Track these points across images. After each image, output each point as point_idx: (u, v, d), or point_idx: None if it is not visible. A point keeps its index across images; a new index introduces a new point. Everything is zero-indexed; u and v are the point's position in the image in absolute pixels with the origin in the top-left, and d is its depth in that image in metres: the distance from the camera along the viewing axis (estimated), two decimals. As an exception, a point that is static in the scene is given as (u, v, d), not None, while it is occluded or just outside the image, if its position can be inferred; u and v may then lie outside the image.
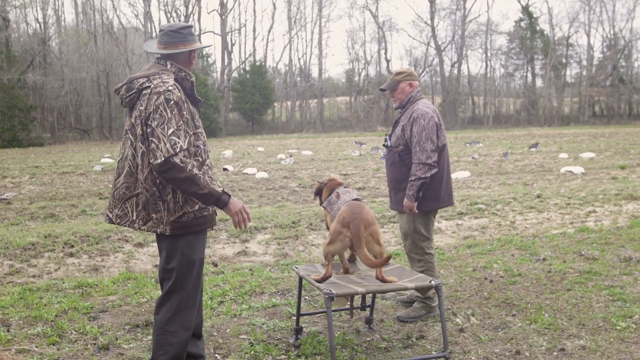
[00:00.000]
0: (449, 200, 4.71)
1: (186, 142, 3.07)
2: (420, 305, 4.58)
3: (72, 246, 7.11)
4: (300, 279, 4.07)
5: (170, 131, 3.03)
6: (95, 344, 4.14)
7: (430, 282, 3.52)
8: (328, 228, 4.08)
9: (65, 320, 4.56)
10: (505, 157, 19.41)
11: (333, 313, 4.61)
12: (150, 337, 4.24)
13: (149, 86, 3.16)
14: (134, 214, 3.25)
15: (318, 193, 4.30)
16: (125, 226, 3.30)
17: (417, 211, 4.50)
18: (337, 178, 4.28)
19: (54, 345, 4.12)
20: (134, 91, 3.20)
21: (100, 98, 43.48)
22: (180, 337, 3.30)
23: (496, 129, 49.06)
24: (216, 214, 3.41)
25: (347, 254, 4.02)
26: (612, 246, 6.76)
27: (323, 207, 4.14)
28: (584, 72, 58.78)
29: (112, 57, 43.71)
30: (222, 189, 3.18)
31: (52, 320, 4.57)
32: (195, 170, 3.06)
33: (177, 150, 3.01)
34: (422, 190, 4.44)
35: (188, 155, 3.07)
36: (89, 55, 42.33)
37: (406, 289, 3.47)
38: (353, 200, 3.79)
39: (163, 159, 3.00)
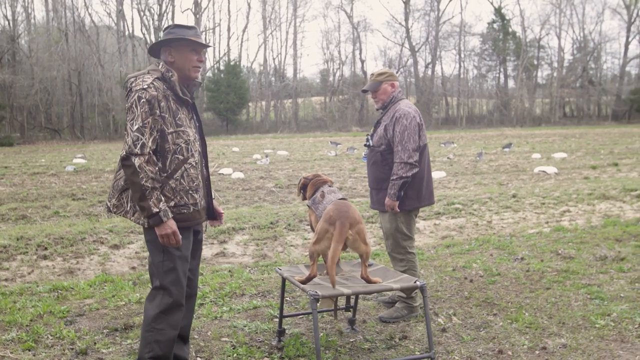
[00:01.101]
0: (430, 199, 4.74)
1: (150, 139, 3.10)
2: (402, 306, 4.58)
3: (46, 248, 6.95)
4: (283, 280, 4.03)
5: (135, 127, 3.09)
6: (72, 349, 4.04)
7: (415, 282, 3.51)
8: (312, 228, 4.05)
9: (40, 324, 4.45)
10: (479, 157, 19.62)
11: (308, 315, 4.60)
12: (129, 341, 4.17)
13: (132, 85, 3.22)
14: (128, 205, 3.26)
15: (303, 188, 4.27)
16: (121, 216, 3.29)
17: (398, 210, 4.51)
18: (322, 175, 4.25)
19: (29, 350, 4.01)
20: (126, 89, 3.26)
21: (71, 97, 42.69)
22: (167, 335, 3.27)
23: (469, 129, 49.58)
24: (199, 212, 3.36)
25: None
26: (588, 245, 6.86)
27: (307, 206, 4.10)
28: (555, 74, 59.85)
29: (84, 56, 42.98)
30: (160, 210, 3.09)
31: (27, 325, 4.45)
32: (149, 183, 3.06)
33: (139, 146, 3.06)
34: (403, 189, 4.47)
35: (153, 162, 3.10)
36: (60, 53, 41.55)
37: (392, 289, 3.46)
38: (339, 199, 3.77)
39: (124, 153, 3.09)
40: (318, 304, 3.30)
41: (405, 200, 4.53)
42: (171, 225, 3.13)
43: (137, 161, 3.05)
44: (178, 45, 3.30)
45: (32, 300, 5.08)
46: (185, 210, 3.26)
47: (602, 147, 24.31)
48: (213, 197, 3.60)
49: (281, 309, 4.12)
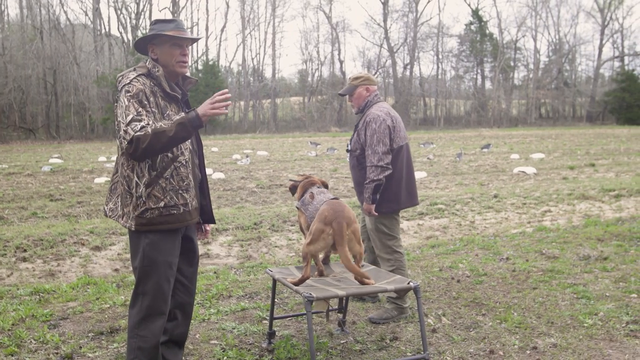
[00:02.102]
0: (412, 201, 4.73)
1: (150, 122, 2.98)
2: (392, 307, 4.56)
3: (25, 250, 6.80)
4: (274, 282, 3.98)
5: (129, 117, 2.96)
6: (57, 353, 3.95)
7: (408, 283, 3.49)
8: (301, 229, 4.01)
9: (23, 328, 4.34)
10: (459, 157, 19.75)
11: (300, 316, 4.56)
12: (115, 345, 4.09)
13: (119, 83, 3.17)
14: (121, 210, 3.18)
15: (292, 190, 4.23)
16: (115, 219, 3.20)
17: (376, 213, 4.52)
18: (313, 176, 4.22)
19: (12, 355, 3.91)
20: (117, 89, 3.18)
21: (46, 96, 41.94)
22: (149, 342, 3.18)
23: (447, 130, 49.93)
24: (190, 213, 3.23)
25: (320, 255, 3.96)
26: (571, 245, 6.92)
27: (297, 207, 4.06)
28: (531, 75, 60.57)
29: (60, 54, 42.27)
30: (181, 114, 3.01)
31: (8, 330, 4.33)
32: (152, 127, 2.92)
33: (138, 127, 2.93)
34: (378, 192, 4.47)
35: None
36: (35, 51, 40.78)
37: (386, 290, 3.44)
38: (332, 199, 3.73)
39: (126, 142, 2.92)
40: (312, 306, 3.26)
41: (383, 203, 4.54)
42: (204, 105, 2.99)
43: (137, 134, 2.90)
44: (159, 42, 3.21)
45: (12, 303, 4.96)
46: (175, 211, 3.15)
47: (579, 148, 24.66)
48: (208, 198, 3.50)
49: (272, 311, 4.07)
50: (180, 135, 2.96)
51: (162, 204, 3.10)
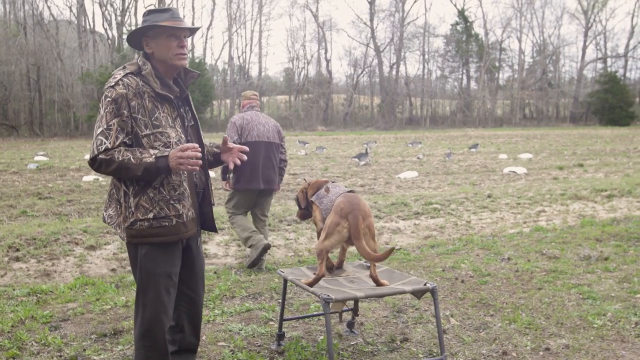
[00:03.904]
0: (254, 185, 6.15)
1: (117, 143, 2.82)
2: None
3: (18, 250, 6.64)
4: (285, 282, 3.90)
5: (99, 130, 2.85)
6: (61, 355, 3.84)
7: (425, 284, 3.44)
8: (316, 224, 3.88)
9: (23, 330, 4.22)
10: (448, 157, 19.79)
11: (313, 318, 4.49)
12: (120, 347, 3.99)
13: (107, 83, 2.97)
14: (116, 218, 3.04)
15: (298, 202, 4.09)
16: (113, 228, 3.05)
17: (228, 188, 6.33)
18: (319, 179, 4.13)
19: (14, 358, 3.80)
20: None
21: (30, 93, 41.30)
22: (157, 351, 3.07)
23: (433, 129, 50.13)
24: (185, 225, 3.01)
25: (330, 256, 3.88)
26: (570, 245, 6.93)
27: (311, 201, 3.91)
28: (516, 76, 61.03)
29: (43, 51, 41.65)
30: (154, 155, 2.80)
31: (8, 332, 4.21)
32: (122, 156, 2.79)
33: (102, 149, 2.81)
34: (226, 172, 6.25)
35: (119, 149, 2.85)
36: (18, 47, 40.16)
37: (403, 292, 3.38)
38: (348, 192, 3.63)
39: (90, 158, 2.87)
40: (330, 306, 3.19)
41: (235, 183, 6.20)
42: (175, 152, 2.80)
43: (101, 155, 2.80)
44: (154, 34, 2.97)
45: (10, 304, 4.83)
46: (167, 223, 2.94)
47: (565, 149, 24.85)
48: (214, 204, 3.30)
49: (282, 312, 3.99)
50: (146, 178, 2.86)
51: (150, 215, 2.91)
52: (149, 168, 2.79)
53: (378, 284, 3.48)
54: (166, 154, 2.82)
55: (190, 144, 2.83)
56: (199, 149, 2.85)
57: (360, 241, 3.32)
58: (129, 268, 6.18)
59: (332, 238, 3.36)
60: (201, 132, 3.26)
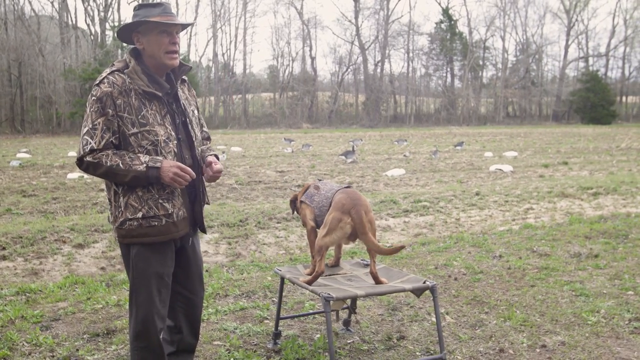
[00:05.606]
0: None
1: (102, 142, 2.78)
2: None
3: (4, 248, 6.52)
4: (282, 281, 3.87)
5: (85, 130, 2.82)
6: (53, 356, 3.78)
7: (424, 282, 3.43)
8: (304, 224, 3.82)
9: (13, 331, 4.14)
10: (434, 155, 19.85)
11: (308, 316, 4.46)
12: (114, 347, 3.93)
13: (95, 80, 2.90)
14: (119, 218, 2.97)
15: (293, 205, 4.05)
16: (113, 229, 3.00)
17: None
18: (307, 183, 4.08)
19: (5, 359, 3.72)
20: None
21: (11, 89, 40.67)
22: (151, 351, 3.03)
23: (417, 127, 50.27)
24: (175, 224, 2.95)
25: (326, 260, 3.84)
26: (560, 242, 6.97)
27: (301, 201, 3.87)
28: (499, 74, 61.43)
29: (25, 46, 41.03)
30: (145, 164, 2.78)
31: (-2, 332, 4.13)
32: (111, 161, 2.77)
33: (87, 150, 2.78)
34: None
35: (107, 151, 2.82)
36: (-1, 42, 39.56)
37: (404, 290, 3.36)
38: (346, 187, 3.59)
39: (77, 159, 2.85)
40: (330, 304, 3.16)
41: None
42: (167, 166, 2.80)
43: (88, 157, 2.78)
44: (145, 29, 2.88)
45: (-2, 304, 4.74)
46: (156, 223, 2.89)
47: (549, 147, 25.06)
48: (207, 203, 3.25)
49: (278, 311, 3.96)
50: (134, 184, 2.84)
51: (139, 214, 2.87)
52: (138, 177, 2.79)
53: (377, 281, 3.46)
54: (158, 164, 2.79)
55: (190, 171, 2.86)
56: (192, 175, 2.88)
57: (367, 235, 3.28)
58: (119, 267, 6.10)
59: (334, 234, 3.31)
60: (194, 127, 3.12)
